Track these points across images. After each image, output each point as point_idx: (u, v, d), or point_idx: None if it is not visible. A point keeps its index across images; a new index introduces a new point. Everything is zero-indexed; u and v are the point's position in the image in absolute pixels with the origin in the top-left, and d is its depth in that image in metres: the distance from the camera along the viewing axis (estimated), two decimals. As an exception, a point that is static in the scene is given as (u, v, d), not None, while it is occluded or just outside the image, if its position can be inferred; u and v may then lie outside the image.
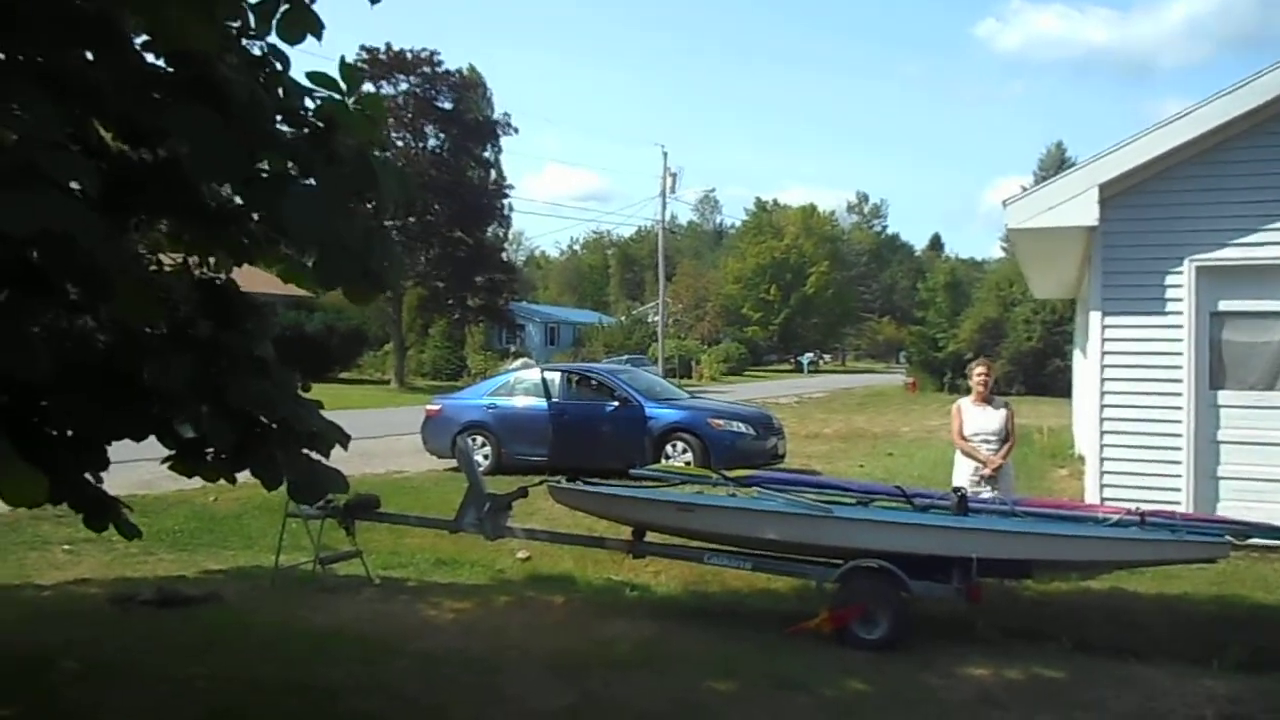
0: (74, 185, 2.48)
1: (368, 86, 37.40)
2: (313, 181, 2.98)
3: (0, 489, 2.48)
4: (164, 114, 2.65)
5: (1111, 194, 8.82)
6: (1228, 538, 5.92)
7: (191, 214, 3.08)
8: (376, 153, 3.09)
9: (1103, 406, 8.98)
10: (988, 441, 7.36)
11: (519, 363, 27.46)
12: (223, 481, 3.41)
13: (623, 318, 65.20)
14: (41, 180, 2.31)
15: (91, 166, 2.48)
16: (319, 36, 2.94)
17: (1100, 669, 5.43)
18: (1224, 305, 8.69)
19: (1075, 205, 8.85)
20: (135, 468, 3.55)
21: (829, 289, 74.36)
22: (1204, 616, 6.77)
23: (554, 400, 13.55)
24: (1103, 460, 8.95)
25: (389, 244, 3.26)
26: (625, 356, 42.23)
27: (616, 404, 13.36)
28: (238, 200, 3.09)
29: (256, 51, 3.04)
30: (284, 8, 2.88)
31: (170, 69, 2.84)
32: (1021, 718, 4.65)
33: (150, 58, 2.91)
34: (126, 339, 3.03)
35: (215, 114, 2.62)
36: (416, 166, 37.60)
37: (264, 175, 2.93)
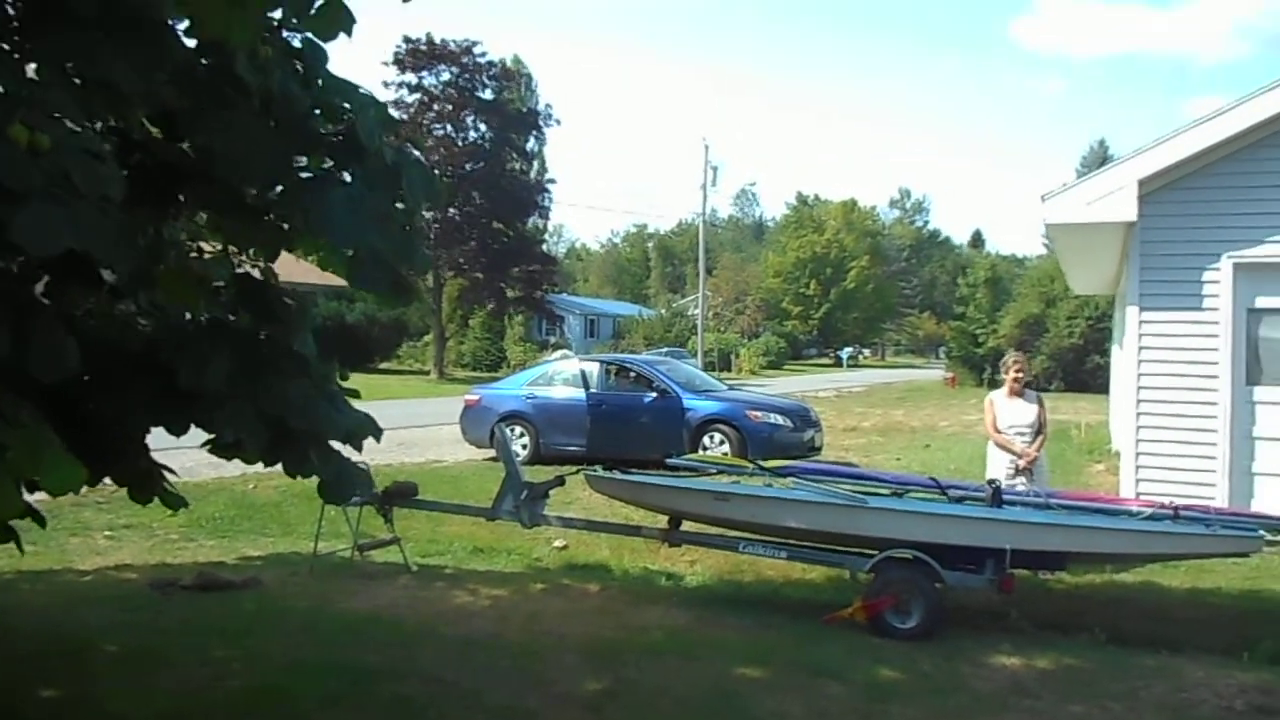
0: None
1: (410, 77, 37.84)
2: (348, 177, 2.97)
3: (43, 480, 2.50)
4: (196, 113, 2.65)
5: (1150, 190, 8.77)
6: (1261, 532, 5.87)
7: (228, 206, 3.11)
8: (407, 149, 3.14)
9: (1139, 401, 8.95)
10: (1022, 434, 7.35)
11: (558, 354, 27.57)
12: (261, 467, 3.47)
13: (662, 311, 65.24)
14: (69, 194, 2.28)
15: (118, 174, 2.45)
16: (349, 33, 2.94)
17: (1132, 660, 5.40)
18: (1261, 302, 8.64)
19: (1114, 201, 8.81)
20: (175, 455, 3.63)
21: (869, 284, 73.89)
22: (1236, 610, 6.75)
23: (592, 391, 13.62)
24: (1138, 455, 8.92)
25: (416, 247, 3.27)
26: (665, 349, 42.29)
27: (655, 395, 13.44)
28: (273, 197, 3.10)
29: (297, 43, 3.03)
30: (319, 2, 2.87)
31: (204, 60, 2.83)
32: (1052, 706, 4.64)
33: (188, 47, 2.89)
34: (166, 331, 3.07)
35: (248, 114, 2.62)
36: (456, 158, 37.90)
37: (302, 175, 2.94)
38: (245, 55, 2.77)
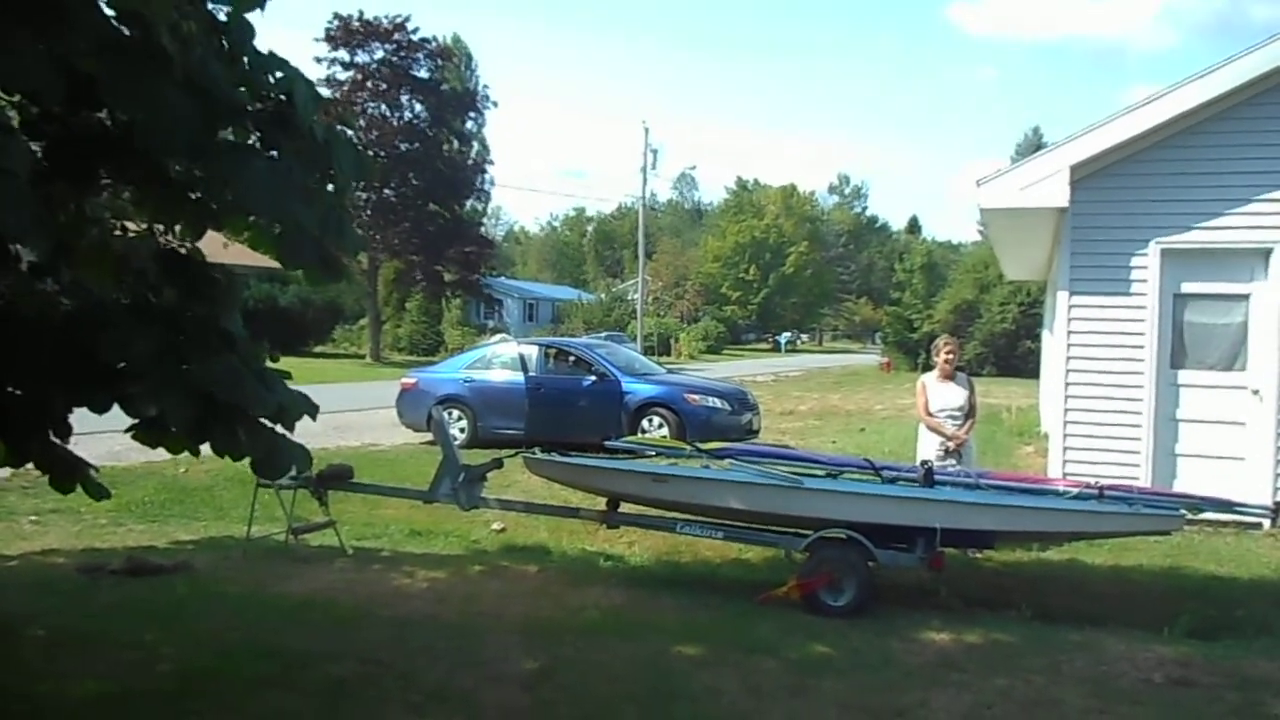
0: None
1: (342, 54, 37.10)
2: (275, 154, 2.90)
3: None
4: (116, 82, 2.56)
5: (1081, 176, 8.97)
6: (1182, 511, 6.07)
7: (150, 181, 3.02)
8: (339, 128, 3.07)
9: (1067, 384, 9.17)
10: (953, 417, 7.49)
11: (496, 338, 27.40)
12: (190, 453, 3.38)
13: (602, 295, 65.17)
14: None
15: (25, 148, 2.36)
16: (262, 8, 2.89)
17: (1056, 635, 5.56)
18: (1186, 287, 8.90)
19: (1046, 186, 8.99)
20: (103, 439, 3.51)
21: (808, 269, 74.68)
22: (1157, 586, 6.99)
23: (531, 374, 13.57)
24: (1066, 436, 9.15)
25: (346, 225, 3.22)
26: (604, 334, 42.23)
27: (594, 378, 13.45)
28: (198, 171, 3.02)
29: (222, 17, 2.95)
30: None
31: (125, 30, 2.73)
32: (978, 680, 4.75)
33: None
34: (88, 308, 2.97)
35: (170, 84, 2.54)
36: (390, 137, 37.28)
37: (223, 146, 2.86)
38: (167, 27, 2.67)
